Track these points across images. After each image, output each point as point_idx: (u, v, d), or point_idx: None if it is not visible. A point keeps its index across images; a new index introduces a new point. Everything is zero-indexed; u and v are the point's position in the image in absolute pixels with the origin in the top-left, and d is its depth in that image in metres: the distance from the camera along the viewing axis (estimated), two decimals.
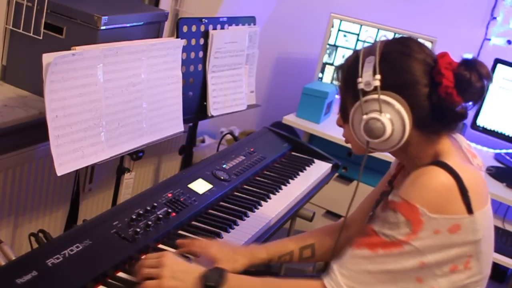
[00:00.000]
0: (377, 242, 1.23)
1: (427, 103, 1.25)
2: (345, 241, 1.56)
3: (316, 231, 1.67)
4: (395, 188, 1.41)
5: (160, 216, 1.58)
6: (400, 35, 1.37)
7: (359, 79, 1.27)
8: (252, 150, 2.17)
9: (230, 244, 1.56)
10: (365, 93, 1.27)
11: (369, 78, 1.26)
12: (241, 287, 1.34)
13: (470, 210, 1.20)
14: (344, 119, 1.38)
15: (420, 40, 1.35)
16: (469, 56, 1.27)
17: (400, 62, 1.27)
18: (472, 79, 1.23)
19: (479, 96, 1.26)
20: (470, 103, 1.27)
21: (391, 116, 1.25)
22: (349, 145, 1.40)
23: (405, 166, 1.41)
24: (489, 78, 1.26)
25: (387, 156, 2.52)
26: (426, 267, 1.22)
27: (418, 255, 1.21)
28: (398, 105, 1.24)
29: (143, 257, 1.41)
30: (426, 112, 1.26)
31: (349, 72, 1.33)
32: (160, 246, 1.53)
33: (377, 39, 1.36)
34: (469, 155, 1.34)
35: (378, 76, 1.25)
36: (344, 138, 1.43)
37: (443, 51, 1.28)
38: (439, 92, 1.23)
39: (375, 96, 1.25)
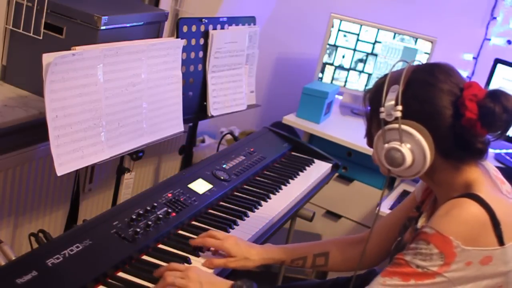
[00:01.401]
0: (409, 272, 1.22)
1: (451, 133, 1.25)
2: (357, 254, 1.56)
3: (334, 241, 1.68)
4: (424, 214, 1.42)
5: (160, 216, 1.58)
6: (425, 63, 1.34)
7: (382, 109, 1.27)
8: (252, 150, 2.17)
9: (246, 241, 1.57)
10: (387, 121, 1.27)
11: (391, 108, 1.26)
12: None
13: (501, 242, 1.21)
14: (369, 143, 1.38)
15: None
16: (497, 87, 1.25)
17: (423, 92, 1.26)
18: (497, 112, 1.21)
19: (505, 128, 1.24)
20: (498, 133, 1.25)
21: (412, 146, 1.25)
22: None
23: (435, 192, 1.40)
24: None
25: None
26: None
27: (450, 285, 1.21)
28: (418, 136, 1.24)
29: (166, 264, 1.39)
30: (450, 141, 1.25)
31: (373, 99, 1.34)
32: (160, 246, 1.53)
33: (407, 61, 1.33)
34: (498, 182, 1.34)
35: (399, 107, 1.25)
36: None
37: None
38: (463, 123, 1.23)
39: (396, 126, 1.25)
